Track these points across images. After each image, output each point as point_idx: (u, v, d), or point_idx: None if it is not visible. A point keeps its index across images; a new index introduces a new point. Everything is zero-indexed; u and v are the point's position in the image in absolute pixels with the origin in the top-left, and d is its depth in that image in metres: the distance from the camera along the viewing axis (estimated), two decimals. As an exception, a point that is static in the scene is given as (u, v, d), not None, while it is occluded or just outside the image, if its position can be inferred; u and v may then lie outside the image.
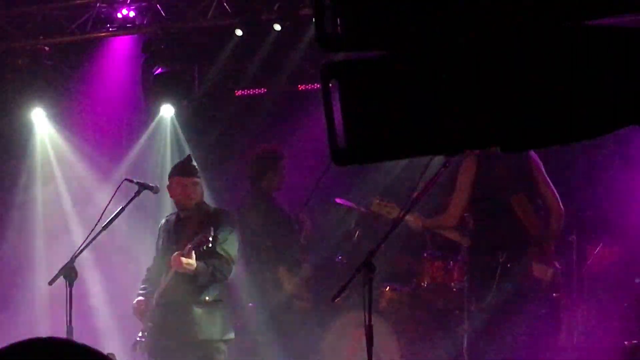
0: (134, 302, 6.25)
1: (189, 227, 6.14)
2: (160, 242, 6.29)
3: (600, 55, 1.81)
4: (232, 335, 6.26)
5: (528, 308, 6.26)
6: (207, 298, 6.08)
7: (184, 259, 5.81)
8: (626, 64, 1.80)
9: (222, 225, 6.08)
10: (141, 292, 6.30)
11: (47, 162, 9.11)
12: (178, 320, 6.03)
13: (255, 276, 6.97)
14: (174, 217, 6.35)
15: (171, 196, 6.32)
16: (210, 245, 5.82)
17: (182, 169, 6.28)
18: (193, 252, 5.82)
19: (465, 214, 6.69)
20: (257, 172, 6.98)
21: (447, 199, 6.62)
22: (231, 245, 6.11)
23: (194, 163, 6.34)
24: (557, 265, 6.37)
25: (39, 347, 1.71)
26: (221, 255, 6.02)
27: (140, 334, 6.23)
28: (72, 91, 8.99)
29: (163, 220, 6.42)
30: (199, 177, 6.25)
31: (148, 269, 6.44)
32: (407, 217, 6.08)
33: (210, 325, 6.08)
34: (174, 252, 6.00)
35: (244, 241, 7.00)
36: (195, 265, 5.86)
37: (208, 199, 7.84)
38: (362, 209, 7.52)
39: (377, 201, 6.74)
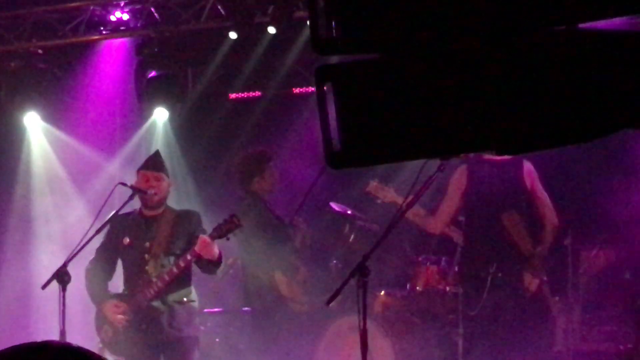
0: (108, 305, 6.08)
1: (162, 226, 6.11)
2: (127, 241, 6.15)
3: (593, 58, 1.81)
4: (200, 333, 6.39)
5: (521, 315, 6.27)
6: (184, 299, 6.12)
7: (212, 243, 5.82)
8: (619, 67, 1.80)
9: (198, 224, 6.13)
10: (103, 295, 6.15)
11: (39, 165, 9.09)
12: (164, 320, 6.03)
13: (250, 280, 6.95)
14: (135, 215, 6.24)
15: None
16: (240, 228, 5.90)
17: (146, 163, 6.26)
18: (215, 240, 5.84)
19: (460, 218, 6.69)
20: (244, 177, 6.96)
21: (437, 205, 6.64)
22: None
23: (162, 159, 6.29)
24: (545, 278, 6.39)
25: (35, 351, 1.70)
26: None
27: (102, 341, 6.14)
28: (66, 94, 8.96)
29: (116, 218, 6.17)
30: (165, 174, 6.18)
31: (90, 270, 6.20)
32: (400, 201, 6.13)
33: (189, 323, 6.14)
34: (149, 251, 6.03)
35: (238, 246, 6.98)
36: (218, 251, 5.92)
37: (202, 202, 7.83)
38: (357, 213, 7.52)
39: (375, 183, 6.73)
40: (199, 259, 5.93)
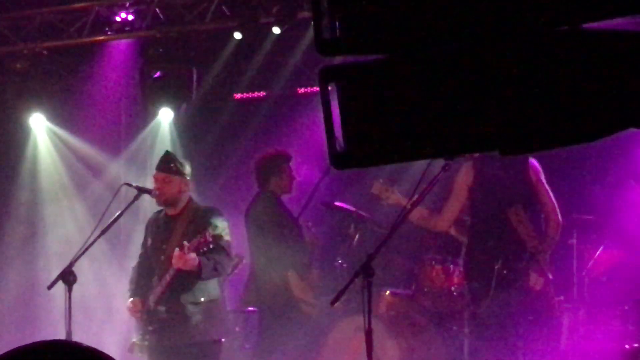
0: (129, 302, 6.19)
1: (178, 226, 6.12)
2: (150, 242, 6.24)
3: (597, 58, 1.81)
4: (227, 335, 6.28)
5: (527, 313, 6.26)
6: (202, 299, 6.05)
7: (187, 257, 5.72)
8: (624, 66, 1.80)
9: (215, 218, 6.06)
10: (133, 292, 6.24)
11: (45, 166, 9.12)
12: (176, 322, 6.01)
13: (261, 278, 6.95)
14: (161, 215, 6.30)
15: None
16: (211, 246, 5.78)
17: (158, 164, 6.27)
18: (190, 253, 5.76)
19: (465, 217, 6.69)
20: (262, 176, 6.99)
21: (444, 203, 6.63)
22: (227, 235, 6.07)
23: (172, 160, 6.25)
24: (550, 275, 6.38)
25: (45, 350, 1.70)
26: (221, 248, 5.96)
27: (135, 336, 6.22)
28: (71, 95, 8.99)
29: (151, 217, 6.38)
30: (174, 175, 6.14)
31: (134, 268, 6.38)
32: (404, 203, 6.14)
33: (208, 326, 6.07)
34: (165, 252, 6.04)
35: (251, 243, 6.99)
36: (197, 261, 5.79)
37: (207, 202, 7.84)
38: (362, 213, 7.52)
39: (380, 184, 6.73)
40: (181, 272, 5.87)
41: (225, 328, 6.24)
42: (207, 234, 5.76)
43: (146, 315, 6.08)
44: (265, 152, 7.19)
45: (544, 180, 6.40)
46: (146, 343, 6.10)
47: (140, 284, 6.25)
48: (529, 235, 6.30)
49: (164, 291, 5.98)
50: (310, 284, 7.05)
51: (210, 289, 6.09)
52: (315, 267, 7.20)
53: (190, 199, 6.24)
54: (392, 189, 6.70)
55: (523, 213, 6.32)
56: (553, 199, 6.40)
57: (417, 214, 6.52)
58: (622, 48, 1.81)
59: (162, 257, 6.08)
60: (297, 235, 6.94)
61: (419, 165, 6.18)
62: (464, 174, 6.46)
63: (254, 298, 7.12)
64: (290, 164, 7.05)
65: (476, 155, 6.43)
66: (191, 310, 6.02)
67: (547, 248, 6.40)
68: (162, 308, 6.02)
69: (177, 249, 5.77)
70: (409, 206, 5.63)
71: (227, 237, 6.05)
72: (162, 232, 6.18)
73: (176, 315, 6.01)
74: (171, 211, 6.19)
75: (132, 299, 6.18)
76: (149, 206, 6.55)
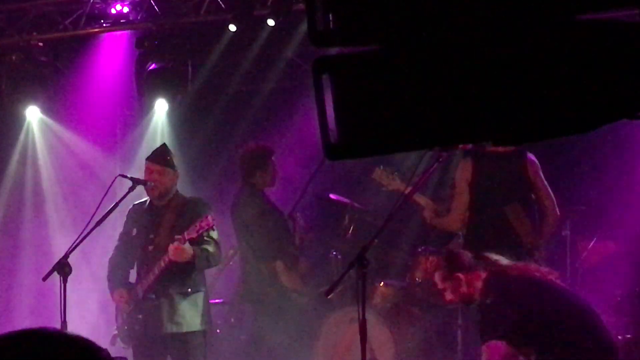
0: (115, 294, 6.22)
1: (167, 217, 6.14)
2: (135, 232, 6.25)
3: (591, 49, 1.82)
4: (210, 326, 6.34)
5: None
6: (189, 289, 6.10)
7: (183, 249, 5.82)
8: (617, 57, 1.81)
9: (201, 211, 6.10)
10: (115, 284, 6.27)
11: (39, 157, 9.11)
12: (164, 313, 6.05)
13: (250, 271, 6.97)
14: (145, 205, 6.32)
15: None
16: (214, 229, 5.87)
17: (152, 156, 6.30)
18: (187, 240, 5.83)
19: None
20: (247, 169, 6.99)
21: (450, 203, 6.65)
22: (215, 229, 6.13)
23: (168, 153, 6.31)
24: (544, 270, 6.41)
25: (30, 338, 1.70)
26: (210, 239, 6.05)
27: (117, 328, 6.24)
28: (66, 87, 8.97)
29: (132, 208, 6.37)
30: (169, 167, 6.21)
31: (112, 259, 6.38)
32: (422, 202, 6.21)
33: (194, 316, 6.12)
34: (153, 242, 6.08)
35: (238, 237, 7.01)
36: (192, 252, 5.88)
37: (202, 194, 7.87)
38: (356, 205, 7.53)
39: (381, 170, 6.75)
40: (174, 263, 5.92)
41: (209, 319, 6.29)
42: (209, 217, 5.81)
43: (134, 305, 6.10)
44: (250, 146, 7.19)
45: (542, 176, 6.40)
46: (133, 332, 6.12)
47: (118, 276, 6.29)
48: (525, 232, 6.32)
49: (155, 281, 6.01)
50: (300, 273, 7.07)
51: (197, 280, 6.15)
52: (304, 258, 7.22)
53: (176, 191, 6.28)
54: (392, 175, 6.72)
55: (521, 209, 6.33)
56: (551, 194, 6.41)
57: (428, 215, 6.57)
58: (614, 39, 1.82)
59: (150, 247, 6.12)
60: (282, 227, 6.95)
61: (417, 154, 6.19)
62: (463, 172, 6.47)
63: (245, 290, 7.14)
64: (274, 158, 7.06)
65: (470, 147, 6.45)
66: (179, 300, 6.06)
67: (542, 242, 6.42)
68: (151, 297, 6.05)
69: (175, 242, 5.82)
70: (402, 199, 5.64)
71: (216, 229, 6.11)
72: (148, 223, 6.21)
73: (164, 305, 6.05)
74: (158, 202, 6.22)
75: (117, 290, 6.21)
76: (143, 198, 6.55)
